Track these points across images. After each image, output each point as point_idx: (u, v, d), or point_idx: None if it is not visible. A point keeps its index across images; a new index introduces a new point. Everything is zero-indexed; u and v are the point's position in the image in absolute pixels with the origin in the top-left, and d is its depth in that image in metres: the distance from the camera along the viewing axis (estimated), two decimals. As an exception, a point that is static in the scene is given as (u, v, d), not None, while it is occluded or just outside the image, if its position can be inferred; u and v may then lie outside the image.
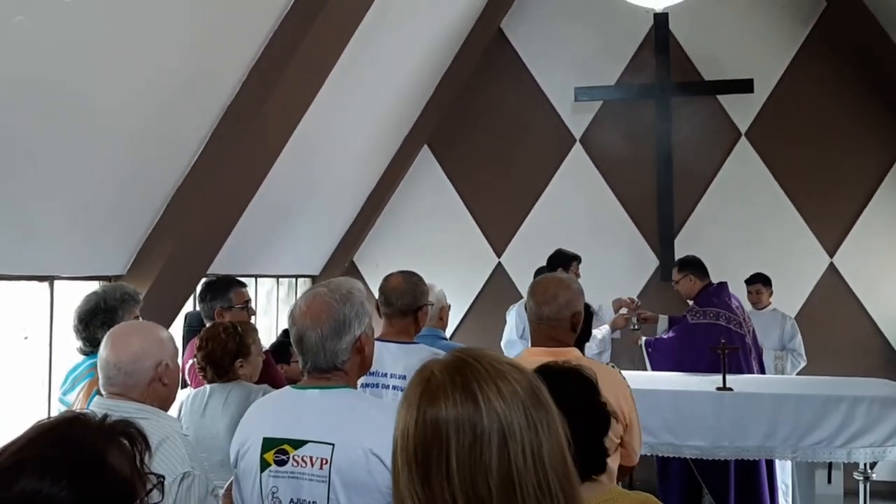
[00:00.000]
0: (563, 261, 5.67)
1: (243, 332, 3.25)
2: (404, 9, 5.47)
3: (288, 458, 1.97)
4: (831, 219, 6.95)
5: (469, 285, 7.50)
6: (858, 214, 6.94)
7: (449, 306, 4.23)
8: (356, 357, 2.10)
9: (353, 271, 7.58)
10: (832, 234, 6.97)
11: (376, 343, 3.06)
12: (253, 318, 3.93)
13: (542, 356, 2.75)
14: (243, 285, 3.96)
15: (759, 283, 6.13)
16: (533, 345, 2.90)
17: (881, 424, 4.35)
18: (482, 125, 7.53)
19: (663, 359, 5.47)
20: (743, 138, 7.13)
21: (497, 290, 7.36)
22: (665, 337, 5.61)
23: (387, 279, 3.24)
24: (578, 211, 7.34)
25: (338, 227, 7.24)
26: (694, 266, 5.57)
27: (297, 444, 1.98)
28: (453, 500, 1.04)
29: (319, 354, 2.04)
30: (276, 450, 1.98)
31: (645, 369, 5.57)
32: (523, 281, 6.46)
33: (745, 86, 6.83)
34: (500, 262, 7.54)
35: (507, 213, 7.51)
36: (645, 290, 7.18)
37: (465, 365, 1.12)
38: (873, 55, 6.71)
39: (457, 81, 7.32)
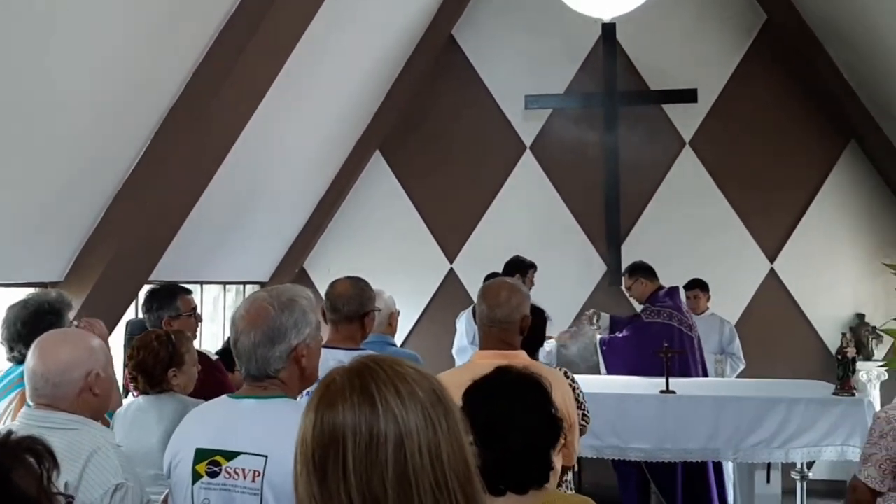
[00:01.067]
0: (520, 267, 5.75)
1: (177, 341, 3.17)
2: (354, 14, 5.47)
3: (220, 469, 1.93)
4: (772, 225, 7.15)
5: (421, 291, 7.51)
6: (798, 221, 7.15)
7: (398, 312, 4.25)
8: (293, 367, 2.06)
9: (304, 277, 7.52)
10: (772, 240, 7.16)
11: (322, 350, 3.06)
12: (199, 325, 3.87)
13: (494, 359, 2.79)
14: (189, 292, 3.90)
15: (696, 288, 6.28)
16: (483, 348, 2.95)
17: (817, 425, 4.50)
18: (434, 131, 7.56)
19: (617, 357, 5.61)
20: (687, 147, 7.29)
21: (449, 295, 7.39)
22: (619, 335, 5.73)
23: (333, 285, 3.23)
24: (529, 217, 7.42)
25: (288, 232, 7.19)
26: (643, 270, 5.75)
27: (230, 455, 1.94)
28: (349, 501, 1.07)
29: (251, 361, 2.01)
30: (209, 461, 1.94)
31: (598, 371, 5.67)
32: (475, 287, 6.43)
33: (689, 96, 6.99)
34: (452, 268, 7.56)
35: (459, 219, 7.54)
36: (593, 296, 7.28)
37: (365, 369, 1.15)
38: (811, 67, 6.93)
39: (409, 87, 7.33)
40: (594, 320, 5.92)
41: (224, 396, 2.15)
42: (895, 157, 6.92)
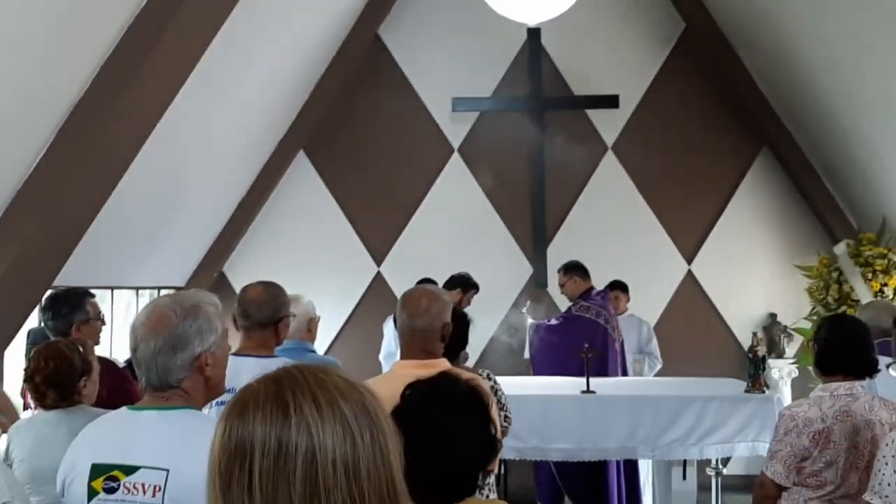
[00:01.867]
0: (463, 284, 5.87)
1: (84, 348, 3.05)
2: (276, 11, 5.37)
3: (118, 485, 1.85)
4: (689, 228, 7.37)
5: (348, 295, 7.43)
6: (714, 224, 7.39)
7: (318, 317, 4.16)
8: (197, 377, 1.98)
9: (223, 282, 7.34)
10: (690, 242, 7.38)
11: (233, 358, 2.97)
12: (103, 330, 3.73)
13: (414, 369, 2.77)
14: (93, 295, 3.76)
15: (617, 289, 6.42)
16: (403, 357, 2.91)
17: (730, 422, 4.63)
18: (361, 131, 7.49)
19: (544, 345, 5.74)
20: (610, 151, 7.44)
21: (376, 299, 7.33)
22: (549, 323, 5.85)
23: (245, 290, 3.15)
24: (456, 219, 7.44)
25: (206, 234, 7.00)
26: (578, 269, 5.89)
27: (129, 469, 1.85)
28: None
29: (151, 370, 1.93)
30: (106, 477, 1.85)
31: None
32: (403, 290, 6.45)
33: (611, 101, 7.13)
34: (379, 272, 7.51)
35: (386, 221, 7.50)
36: (520, 297, 7.34)
37: (285, 376, 1.09)
38: (727, 74, 7.16)
39: (334, 87, 7.25)
40: (526, 309, 6.13)
41: (123, 408, 2.06)
42: (805, 162, 7.22)
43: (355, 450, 1.04)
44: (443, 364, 2.84)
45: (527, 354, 5.97)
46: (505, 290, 7.36)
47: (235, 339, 2.85)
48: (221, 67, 4.96)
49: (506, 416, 3.67)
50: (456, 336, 3.49)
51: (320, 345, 7.17)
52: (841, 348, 3.17)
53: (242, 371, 2.87)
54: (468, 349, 3.98)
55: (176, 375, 1.94)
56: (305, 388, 1.06)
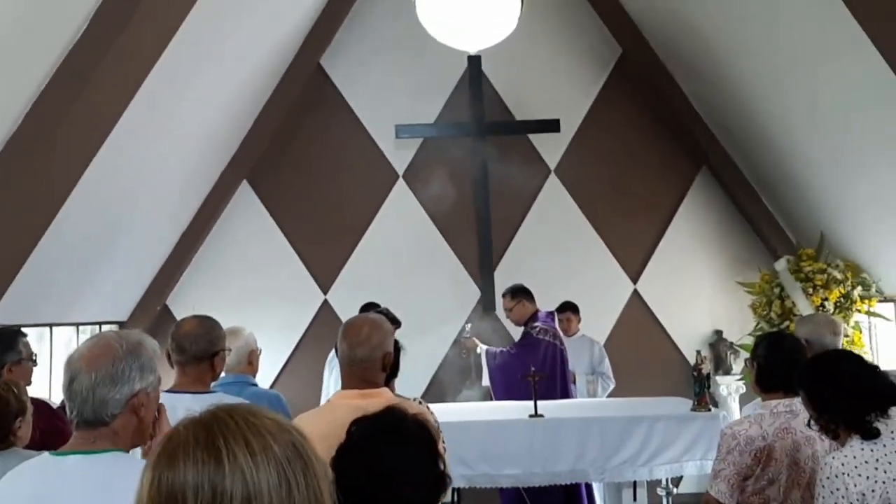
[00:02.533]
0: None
1: (18, 388, 2.95)
2: (217, 41, 5.32)
3: None
4: (634, 247, 7.47)
5: (294, 324, 7.33)
6: (657, 243, 7.50)
7: (260, 350, 4.08)
8: (130, 417, 1.92)
9: (167, 315, 7.16)
10: (635, 262, 7.48)
11: (167, 395, 2.88)
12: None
13: (355, 399, 2.73)
14: (25, 335, 3.64)
15: (568, 311, 6.45)
16: (344, 387, 2.86)
17: (677, 441, 4.66)
18: (305, 160, 7.44)
19: (505, 371, 5.72)
20: (552, 174, 7.52)
21: (323, 328, 7.23)
22: (510, 351, 5.88)
23: (179, 324, 3.08)
24: (403, 245, 7.42)
25: (148, 267, 6.84)
26: (525, 292, 5.92)
27: None
28: None
29: (87, 402, 1.86)
30: None
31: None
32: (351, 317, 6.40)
33: (552, 125, 7.22)
34: (326, 299, 7.43)
35: (332, 248, 7.44)
36: (469, 321, 7.31)
37: (214, 420, 1.06)
38: (664, 97, 7.32)
39: (276, 116, 7.20)
40: (466, 331, 6.28)
41: (45, 454, 1.97)
42: (743, 181, 7.40)
43: (290, 494, 1.02)
44: (384, 394, 2.80)
45: (486, 381, 5.91)
46: (453, 315, 7.34)
47: (168, 379, 2.77)
48: (161, 97, 4.88)
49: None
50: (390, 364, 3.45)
51: (267, 375, 7.08)
52: (779, 366, 3.22)
53: (178, 407, 2.79)
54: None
55: (111, 410, 1.89)
56: (237, 432, 1.04)
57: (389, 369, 3.55)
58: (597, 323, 7.14)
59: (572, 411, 4.92)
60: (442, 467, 1.87)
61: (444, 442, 3.67)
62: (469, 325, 6.37)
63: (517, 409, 4.92)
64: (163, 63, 4.41)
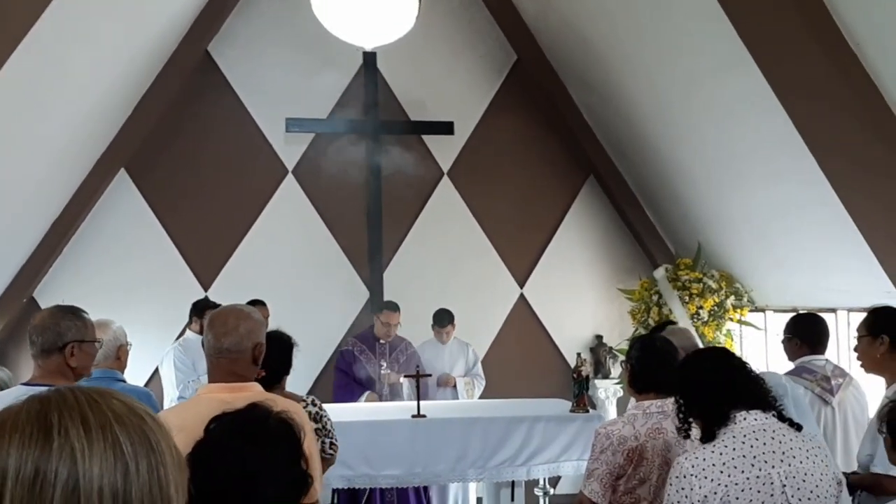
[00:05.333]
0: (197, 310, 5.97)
1: None
2: (93, 22, 5.01)
3: None
4: (522, 252, 7.58)
5: (173, 322, 6.99)
6: (544, 248, 7.64)
7: (129, 344, 3.88)
8: None
9: (33, 308, 6.69)
10: (522, 267, 7.59)
11: (22, 388, 2.68)
12: None
13: (221, 392, 2.59)
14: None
15: (449, 325, 6.49)
16: (211, 380, 2.73)
17: (556, 442, 4.75)
18: (188, 151, 7.13)
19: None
20: (445, 177, 7.53)
21: (203, 324, 6.96)
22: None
23: (34, 316, 2.87)
24: (290, 243, 7.24)
25: (14, 258, 6.38)
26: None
27: None
28: None
29: None
30: None
31: None
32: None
33: (446, 128, 7.23)
34: (207, 296, 7.13)
35: (214, 244, 7.17)
36: (356, 323, 7.24)
37: (54, 395, 0.98)
38: (555, 106, 7.47)
39: (159, 103, 6.85)
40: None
41: None
42: (628, 191, 7.64)
43: (127, 479, 0.94)
44: (253, 388, 2.68)
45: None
46: (340, 316, 7.24)
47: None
48: (29, 79, 4.56)
49: (332, 444, 3.55)
50: (278, 359, 3.35)
51: (142, 375, 6.75)
52: (651, 367, 3.31)
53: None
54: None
55: None
56: (75, 408, 0.95)
57: (279, 365, 3.44)
58: (483, 325, 7.21)
59: (455, 412, 4.92)
60: (304, 467, 1.80)
61: (335, 439, 3.59)
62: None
63: (400, 409, 4.88)
64: (31, 40, 4.12)
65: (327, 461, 3.47)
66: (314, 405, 3.59)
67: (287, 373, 3.68)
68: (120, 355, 3.76)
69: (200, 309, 5.83)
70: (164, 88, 6.81)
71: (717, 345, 6.34)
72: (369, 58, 7.06)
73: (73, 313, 2.88)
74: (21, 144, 5.30)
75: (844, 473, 3.12)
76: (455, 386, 6.36)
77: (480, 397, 6.39)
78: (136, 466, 0.95)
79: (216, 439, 1.75)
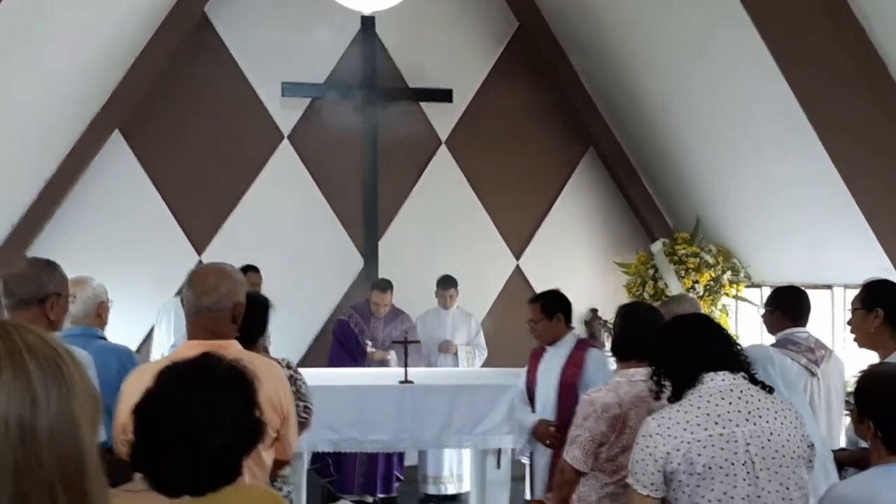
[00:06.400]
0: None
1: None
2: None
3: None
4: (519, 224, 7.52)
5: (165, 285, 6.97)
6: (542, 220, 7.58)
7: (110, 301, 3.84)
8: None
9: (25, 267, 6.70)
10: (519, 238, 7.54)
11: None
12: None
13: (200, 349, 2.57)
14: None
15: (452, 287, 6.47)
16: (190, 338, 2.72)
17: (542, 410, 4.71)
18: (184, 113, 7.06)
19: None
20: (443, 145, 7.45)
21: (197, 289, 6.94)
22: None
23: (11, 267, 2.84)
24: (286, 208, 7.20)
25: (8, 217, 6.36)
26: None
27: None
28: None
29: None
30: None
31: None
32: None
33: (444, 95, 7.14)
34: (200, 261, 7.11)
35: (209, 208, 7.13)
36: (350, 291, 7.22)
37: None
38: (557, 74, 7.37)
39: (154, 65, 6.77)
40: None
41: None
42: (628, 164, 7.56)
43: (35, 409, 0.92)
44: (233, 346, 2.67)
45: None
46: (335, 284, 7.22)
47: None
48: (22, 35, 4.50)
49: (306, 407, 3.53)
50: (255, 320, 3.32)
51: (133, 338, 6.74)
52: (634, 334, 3.28)
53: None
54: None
55: None
56: None
57: (255, 326, 3.42)
58: (479, 295, 7.17)
59: (441, 379, 4.92)
60: (257, 415, 1.78)
61: (310, 403, 3.58)
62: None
63: (388, 375, 4.87)
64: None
65: (302, 424, 3.45)
66: (289, 368, 3.57)
67: (262, 334, 3.65)
68: (100, 312, 3.71)
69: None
70: (160, 50, 6.73)
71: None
72: (367, 22, 6.95)
73: (52, 265, 2.85)
74: (14, 105, 5.25)
75: (833, 451, 3.10)
76: (456, 354, 6.35)
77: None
78: (45, 399, 0.93)
79: (164, 388, 1.73)
